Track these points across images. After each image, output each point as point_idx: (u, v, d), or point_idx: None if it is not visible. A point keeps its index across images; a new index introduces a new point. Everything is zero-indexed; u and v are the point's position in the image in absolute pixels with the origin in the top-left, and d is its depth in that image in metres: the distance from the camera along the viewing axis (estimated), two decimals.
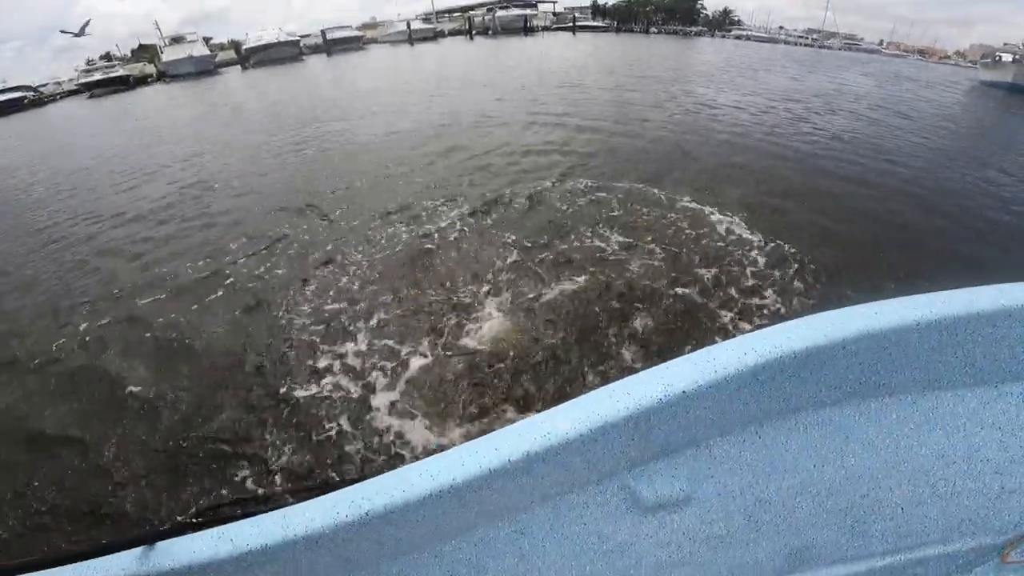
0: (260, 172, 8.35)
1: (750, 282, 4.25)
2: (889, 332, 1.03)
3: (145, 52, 44.90)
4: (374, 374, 3.37)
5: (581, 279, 4.29)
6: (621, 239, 4.99)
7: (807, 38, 57.46)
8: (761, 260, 4.59)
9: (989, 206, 6.23)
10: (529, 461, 0.97)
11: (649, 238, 5.00)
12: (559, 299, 4.02)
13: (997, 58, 26.12)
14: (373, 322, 3.93)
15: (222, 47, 49.69)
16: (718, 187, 6.41)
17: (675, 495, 1.10)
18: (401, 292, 4.31)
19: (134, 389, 3.47)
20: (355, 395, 3.21)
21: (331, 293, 4.40)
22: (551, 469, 1.00)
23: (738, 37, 60.08)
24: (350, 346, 3.65)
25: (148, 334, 4.09)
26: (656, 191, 6.24)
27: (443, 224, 5.54)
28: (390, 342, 3.67)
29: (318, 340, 3.75)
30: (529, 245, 4.94)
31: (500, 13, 56.11)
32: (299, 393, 3.24)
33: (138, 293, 4.75)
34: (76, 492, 2.72)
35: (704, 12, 68.33)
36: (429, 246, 5.07)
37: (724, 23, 67.81)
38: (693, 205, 5.76)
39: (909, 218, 5.72)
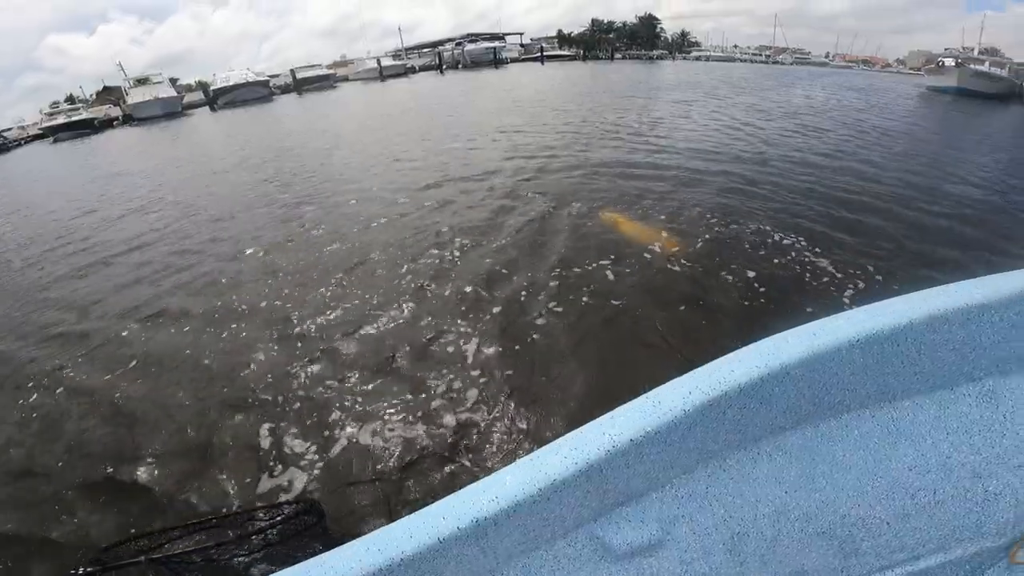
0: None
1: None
2: (831, 351, 1.05)
3: (110, 94, 44.26)
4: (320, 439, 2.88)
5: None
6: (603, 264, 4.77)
7: (761, 55, 60.31)
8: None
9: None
10: (480, 526, 0.95)
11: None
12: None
13: (941, 63, 27.59)
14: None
15: (189, 88, 49.71)
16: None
17: (648, 539, 1.09)
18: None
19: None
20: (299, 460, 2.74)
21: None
22: (507, 531, 0.98)
23: (698, 58, 62.80)
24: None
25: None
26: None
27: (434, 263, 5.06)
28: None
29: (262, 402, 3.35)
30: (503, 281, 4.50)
31: (469, 47, 57.44)
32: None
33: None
34: None
35: (664, 35, 71.57)
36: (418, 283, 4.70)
37: (683, 45, 71.01)
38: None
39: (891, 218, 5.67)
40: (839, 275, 4.04)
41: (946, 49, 31.71)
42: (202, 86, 45.39)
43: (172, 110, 37.02)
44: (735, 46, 69.40)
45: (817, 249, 4.45)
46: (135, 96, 37.27)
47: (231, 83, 39.90)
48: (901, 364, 1.12)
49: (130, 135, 28.31)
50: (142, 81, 39.60)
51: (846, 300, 3.74)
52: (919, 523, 1.19)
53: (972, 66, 25.69)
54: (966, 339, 1.13)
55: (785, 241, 4.66)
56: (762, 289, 3.88)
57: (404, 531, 0.95)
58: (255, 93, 39.80)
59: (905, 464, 1.18)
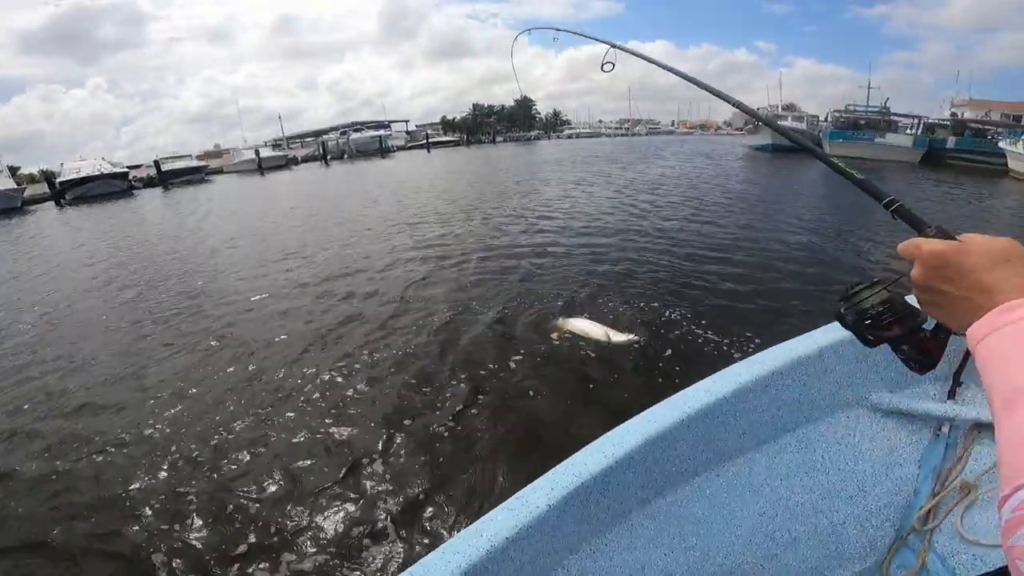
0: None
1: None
2: (664, 433, 1.22)
3: None
4: None
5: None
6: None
7: (621, 128, 69.25)
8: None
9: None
10: None
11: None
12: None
13: (756, 124, 32.73)
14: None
15: (32, 179, 43.20)
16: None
17: None
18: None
19: None
20: None
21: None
22: None
23: (570, 136, 70.04)
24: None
25: None
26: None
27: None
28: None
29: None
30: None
31: (355, 136, 56.73)
32: None
33: None
34: None
35: (539, 116, 79.05)
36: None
37: (557, 124, 78.93)
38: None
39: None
40: (726, 341, 4.41)
41: (758, 109, 37.86)
42: (46, 176, 38.42)
43: (10, 205, 31.08)
44: (600, 121, 79.05)
45: (704, 321, 4.84)
46: None
47: (82, 174, 34.38)
48: (724, 431, 1.32)
49: None
50: None
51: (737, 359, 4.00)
52: (788, 560, 1.34)
53: (778, 122, 30.47)
54: (771, 401, 1.37)
55: (674, 315, 5.01)
56: (677, 367, 4.05)
57: None
58: (111, 187, 34.73)
59: (755, 512, 1.35)
